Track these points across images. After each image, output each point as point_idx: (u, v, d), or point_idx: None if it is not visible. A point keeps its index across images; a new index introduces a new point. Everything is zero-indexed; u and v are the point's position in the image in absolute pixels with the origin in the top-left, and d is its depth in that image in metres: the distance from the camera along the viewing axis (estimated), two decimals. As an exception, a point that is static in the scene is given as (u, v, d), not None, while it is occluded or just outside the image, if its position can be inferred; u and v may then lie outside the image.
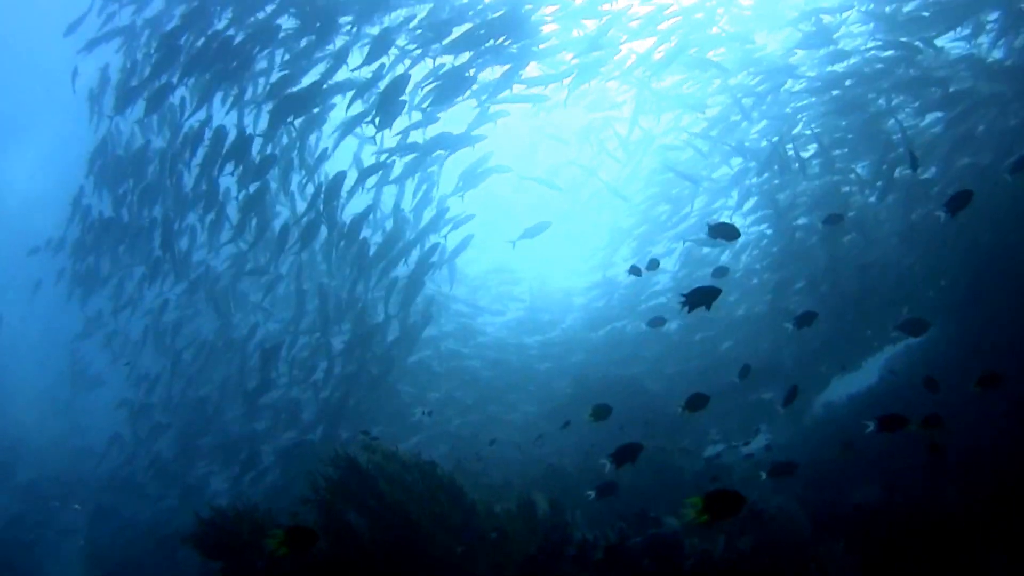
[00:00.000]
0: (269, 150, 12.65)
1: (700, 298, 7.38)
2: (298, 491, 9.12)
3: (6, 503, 19.53)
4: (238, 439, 17.77)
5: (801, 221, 14.77)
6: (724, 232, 8.47)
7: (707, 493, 5.05)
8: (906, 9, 11.95)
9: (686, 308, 7.42)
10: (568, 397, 16.11)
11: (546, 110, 14.51)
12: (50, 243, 17.58)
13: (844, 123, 13.54)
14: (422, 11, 11.70)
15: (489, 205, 14.44)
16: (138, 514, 18.51)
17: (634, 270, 10.06)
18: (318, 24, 11.23)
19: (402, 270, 14.55)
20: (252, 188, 12.67)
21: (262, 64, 12.41)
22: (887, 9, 12.06)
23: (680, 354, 16.91)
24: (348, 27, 11.55)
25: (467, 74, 11.74)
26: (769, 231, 15.63)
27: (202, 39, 11.43)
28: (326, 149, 13.00)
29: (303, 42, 11.65)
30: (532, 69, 12.56)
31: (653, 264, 11.12)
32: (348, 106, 12.33)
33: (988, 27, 11.98)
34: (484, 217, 14.32)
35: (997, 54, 12.27)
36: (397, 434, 15.57)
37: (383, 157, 12.98)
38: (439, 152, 13.02)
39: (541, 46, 12.06)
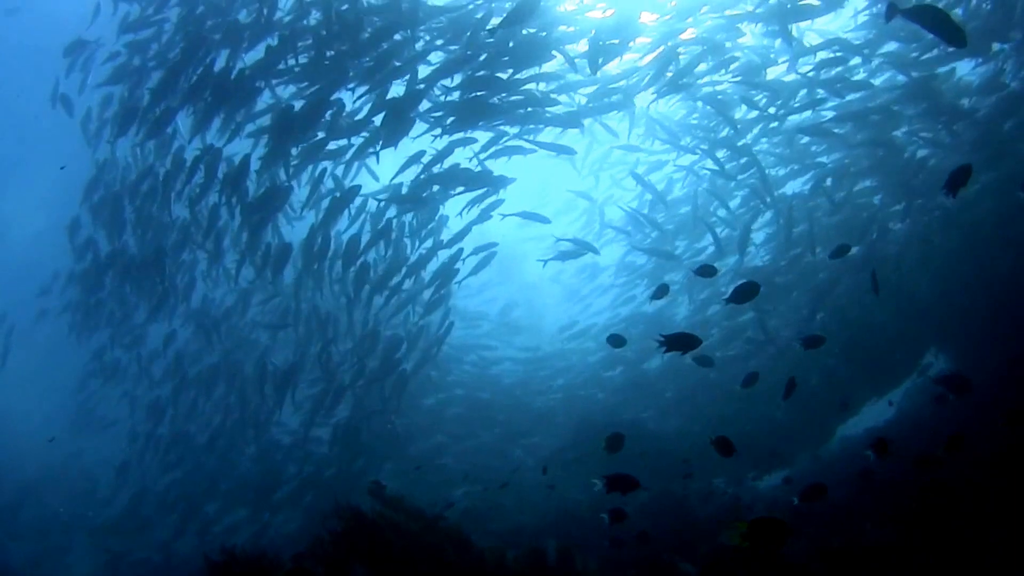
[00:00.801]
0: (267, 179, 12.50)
1: (679, 344, 7.36)
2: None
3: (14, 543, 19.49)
4: (251, 475, 17.71)
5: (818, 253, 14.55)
6: (745, 293, 8.39)
7: (752, 520, 5.15)
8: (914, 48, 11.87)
9: (663, 349, 7.41)
10: (571, 440, 15.88)
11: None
12: (57, 277, 17.47)
13: (859, 154, 13.41)
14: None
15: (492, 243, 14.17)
16: (151, 556, 18.40)
17: (616, 340, 9.90)
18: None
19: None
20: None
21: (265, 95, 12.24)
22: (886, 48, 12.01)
23: (697, 391, 16.60)
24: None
25: (484, 101, 11.47)
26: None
27: (200, 70, 11.27)
28: (324, 169, 12.66)
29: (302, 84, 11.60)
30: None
31: (662, 291, 11.05)
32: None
33: (996, 52, 11.89)
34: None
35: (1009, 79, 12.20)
36: (413, 475, 15.47)
37: (379, 204, 12.80)
38: (454, 188, 12.70)
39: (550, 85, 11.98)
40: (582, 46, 11.37)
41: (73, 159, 14.79)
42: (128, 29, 12.44)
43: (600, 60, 11.04)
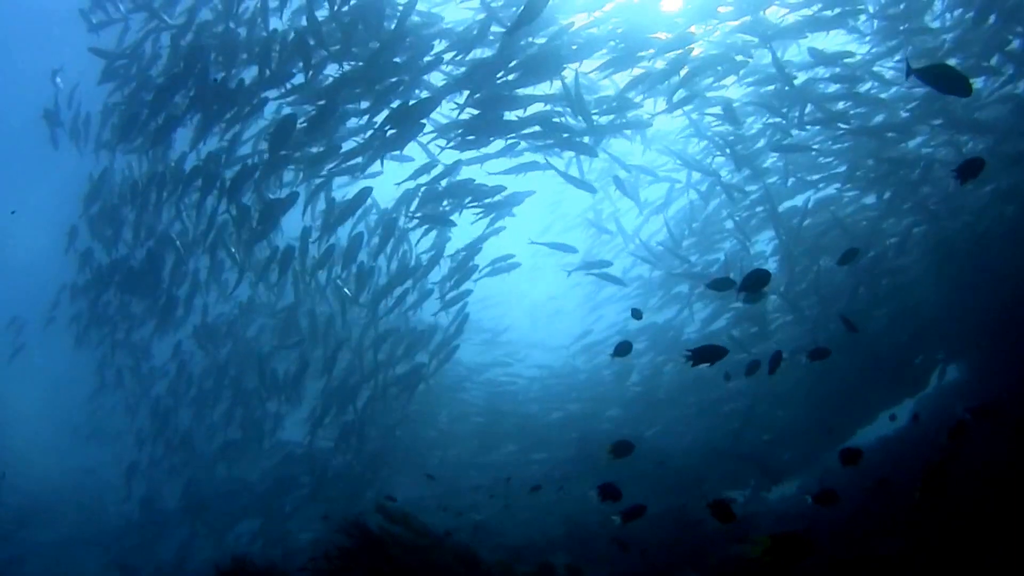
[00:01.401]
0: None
1: (706, 356, 7.35)
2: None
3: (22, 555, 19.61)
4: (262, 485, 17.77)
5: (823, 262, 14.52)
6: (756, 282, 8.28)
7: (774, 535, 5.25)
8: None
9: (690, 363, 7.42)
10: (571, 455, 15.86)
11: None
12: (63, 288, 17.30)
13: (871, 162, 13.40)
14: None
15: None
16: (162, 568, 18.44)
17: (623, 347, 9.86)
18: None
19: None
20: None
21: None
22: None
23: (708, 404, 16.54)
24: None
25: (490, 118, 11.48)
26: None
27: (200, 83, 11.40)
28: (324, 180, 12.60)
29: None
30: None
31: (636, 314, 11.04)
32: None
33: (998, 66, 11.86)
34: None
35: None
36: (423, 487, 15.51)
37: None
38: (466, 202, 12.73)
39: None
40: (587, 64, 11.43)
41: (74, 167, 14.90)
42: (110, 69, 12.70)
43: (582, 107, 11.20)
